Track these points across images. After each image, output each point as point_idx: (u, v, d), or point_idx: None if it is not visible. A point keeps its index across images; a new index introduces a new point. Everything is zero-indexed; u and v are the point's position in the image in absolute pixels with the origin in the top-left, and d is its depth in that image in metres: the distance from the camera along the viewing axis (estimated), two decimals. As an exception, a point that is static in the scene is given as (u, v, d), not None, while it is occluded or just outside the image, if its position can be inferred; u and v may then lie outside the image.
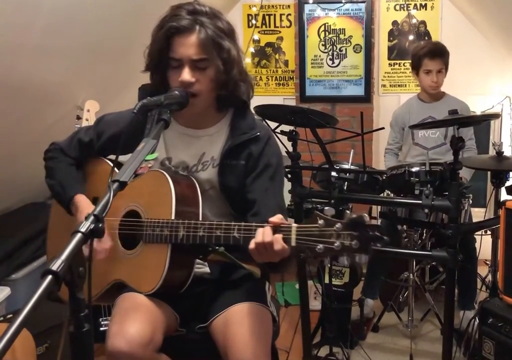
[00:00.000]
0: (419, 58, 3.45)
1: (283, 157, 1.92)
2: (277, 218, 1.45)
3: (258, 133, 1.82)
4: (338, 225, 1.31)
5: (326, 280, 3.00)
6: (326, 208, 1.40)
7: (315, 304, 3.42)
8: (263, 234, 1.44)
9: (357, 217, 1.29)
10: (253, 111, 2.53)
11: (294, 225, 1.41)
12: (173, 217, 1.68)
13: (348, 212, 1.36)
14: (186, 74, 1.66)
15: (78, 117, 2.78)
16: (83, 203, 1.83)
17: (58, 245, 1.92)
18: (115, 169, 1.89)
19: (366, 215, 1.29)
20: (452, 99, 3.54)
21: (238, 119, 1.85)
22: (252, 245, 1.46)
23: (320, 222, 1.34)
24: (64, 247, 1.06)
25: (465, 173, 3.24)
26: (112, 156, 2.00)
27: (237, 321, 1.69)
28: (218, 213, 1.85)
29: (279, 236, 1.42)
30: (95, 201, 1.89)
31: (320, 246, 1.32)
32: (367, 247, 1.27)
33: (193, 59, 1.66)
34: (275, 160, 1.84)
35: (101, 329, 2.61)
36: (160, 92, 1.62)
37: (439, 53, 3.44)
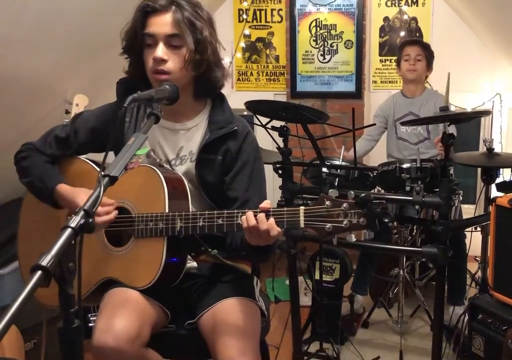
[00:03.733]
0: (400, 48, 3.65)
1: (261, 151, 1.91)
2: (266, 203, 1.51)
3: (236, 128, 1.82)
4: (345, 205, 1.39)
5: (317, 276, 3.00)
6: (330, 190, 1.44)
7: (306, 300, 3.41)
8: (260, 220, 1.49)
9: (364, 195, 1.37)
10: (244, 106, 2.53)
11: (302, 207, 1.46)
12: (167, 210, 1.67)
13: (352, 192, 1.41)
14: (160, 51, 1.67)
15: (67, 112, 2.75)
16: (71, 190, 1.77)
17: (31, 247, 1.91)
18: (96, 166, 1.90)
19: (371, 193, 1.34)
20: (431, 93, 3.61)
21: (216, 113, 1.85)
22: (246, 231, 1.51)
23: (327, 203, 1.42)
24: (53, 242, 1.04)
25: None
26: (89, 155, 1.96)
27: (225, 317, 1.69)
28: (198, 206, 1.84)
29: (272, 221, 1.48)
30: None
31: (329, 225, 1.41)
32: (374, 223, 1.37)
33: (167, 35, 1.67)
34: (252, 157, 1.84)
35: (90, 324, 2.59)
36: (136, 81, 1.65)
37: (418, 41, 3.64)
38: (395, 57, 4.24)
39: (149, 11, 1.68)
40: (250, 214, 1.50)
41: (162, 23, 1.67)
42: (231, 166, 1.82)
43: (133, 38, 1.72)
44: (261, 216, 1.49)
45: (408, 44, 3.60)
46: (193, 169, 1.82)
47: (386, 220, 1.34)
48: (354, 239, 1.40)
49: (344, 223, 1.39)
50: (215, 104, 1.87)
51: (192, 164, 1.82)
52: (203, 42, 1.71)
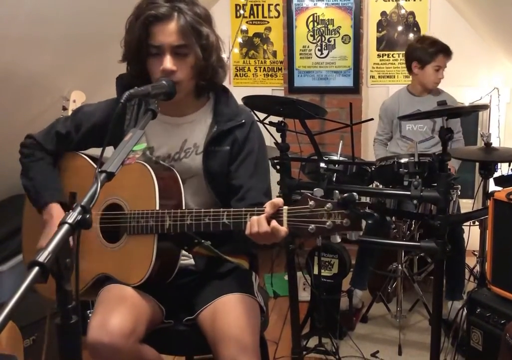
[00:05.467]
0: (434, 53, 3.44)
1: (264, 140, 1.92)
2: (271, 207, 1.45)
3: (244, 120, 1.82)
4: (328, 205, 1.35)
5: (315, 271, 3.00)
6: (315, 189, 1.42)
7: (304, 295, 3.41)
8: (258, 224, 1.45)
9: (348, 196, 1.33)
10: (241, 102, 2.52)
11: (285, 207, 1.44)
12: (157, 208, 1.67)
13: (337, 191, 1.38)
14: (168, 62, 1.65)
15: (64, 108, 2.75)
16: (54, 215, 1.79)
17: (35, 243, 1.91)
18: (91, 161, 1.90)
19: (356, 194, 1.32)
20: (440, 93, 3.55)
21: (221, 106, 1.84)
22: (248, 232, 1.48)
23: (311, 203, 1.38)
24: (50, 238, 1.04)
25: (454, 163, 3.26)
26: (88, 151, 1.96)
27: (225, 313, 1.69)
28: (201, 202, 1.84)
29: (274, 222, 1.43)
30: (72, 196, 1.86)
31: (312, 226, 1.37)
32: (358, 224, 1.33)
33: (173, 46, 1.65)
34: (257, 145, 1.85)
35: (89, 321, 2.58)
36: (138, 82, 1.61)
37: (452, 52, 3.47)
38: (393, 52, 4.26)
39: (152, 20, 1.64)
40: (253, 219, 1.47)
41: (167, 33, 1.65)
42: (237, 155, 1.82)
43: (137, 49, 1.69)
44: (261, 219, 1.45)
45: (444, 53, 3.44)
46: (199, 162, 1.82)
47: (369, 221, 1.32)
48: (339, 240, 1.38)
49: (327, 223, 1.35)
50: (218, 96, 1.86)
51: (198, 157, 1.82)
52: (209, 48, 1.71)
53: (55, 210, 1.81)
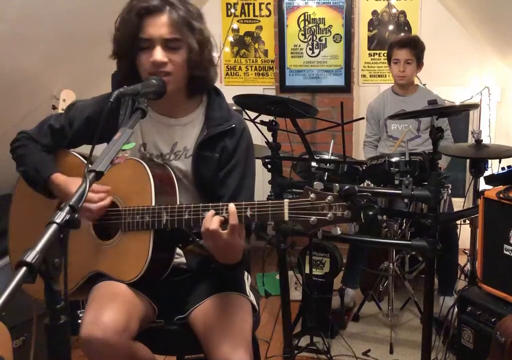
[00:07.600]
0: (390, 48, 3.54)
1: (254, 148, 1.90)
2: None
3: (234, 125, 1.80)
4: (329, 197, 1.37)
5: (307, 270, 3.00)
6: (315, 182, 1.42)
7: (296, 294, 3.42)
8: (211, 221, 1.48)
9: (348, 188, 1.34)
10: (232, 101, 2.52)
11: (286, 200, 1.44)
12: (153, 204, 1.66)
13: (337, 184, 1.39)
14: (158, 54, 1.63)
15: (54, 107, 2.73)
16: (65, 180, 1.75)
17: (22, 243, 1.89)
18: (83, 159, 1.89)
19: (356, 186, 1.33)
20: (425, 93, 3.56)
21: (213, 110, 1.83)
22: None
23: (312, 195, 1.39)
24: (38, 238, 1.03)
25: (441, 161, 3.27)
26: (79, 149, 1.94)
27: (217, 311, 1.69)
28: (192, 201, 1.83)
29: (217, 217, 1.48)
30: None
31: (313, 218, 1.39)
32: (359, 216, 1.35)
33: (165, 39, 1.63)
34: (245, 155, 1.83)
35: (79, 321, 2.57)
36: (130, 78, 1.60)
37: (408, 43, 3.47)
38: (384, 51, 4.25)
39: (143, 13, 1.63)
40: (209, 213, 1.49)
41: (159, 26, 1.63)
42: (225, 164, 1.81)
43: (128, 43, 1.66)
44: (209, 213, 1.48)
45: (396, 47, 3.48)
46: (188, 165, 1.81)
47: (370, 213, 1.33)
48: (339, 232, 1.39)
49: (329, 215, 1.37)
50: (211, 100, 1.85)
51: (188, 161, 1.81)
52: (203, 43, 1.70)
53: (61, 178, 1.77)
